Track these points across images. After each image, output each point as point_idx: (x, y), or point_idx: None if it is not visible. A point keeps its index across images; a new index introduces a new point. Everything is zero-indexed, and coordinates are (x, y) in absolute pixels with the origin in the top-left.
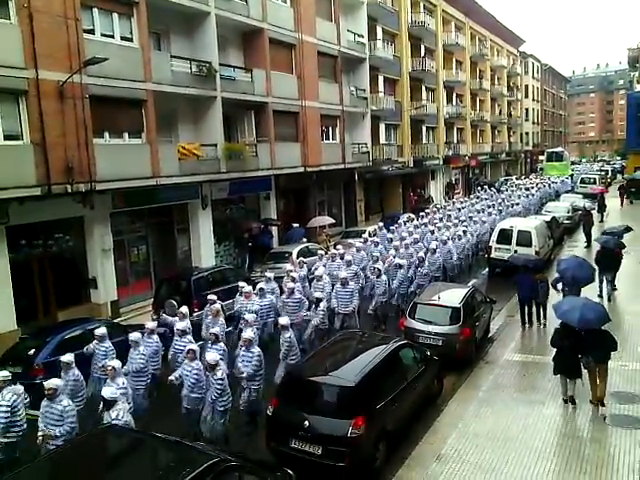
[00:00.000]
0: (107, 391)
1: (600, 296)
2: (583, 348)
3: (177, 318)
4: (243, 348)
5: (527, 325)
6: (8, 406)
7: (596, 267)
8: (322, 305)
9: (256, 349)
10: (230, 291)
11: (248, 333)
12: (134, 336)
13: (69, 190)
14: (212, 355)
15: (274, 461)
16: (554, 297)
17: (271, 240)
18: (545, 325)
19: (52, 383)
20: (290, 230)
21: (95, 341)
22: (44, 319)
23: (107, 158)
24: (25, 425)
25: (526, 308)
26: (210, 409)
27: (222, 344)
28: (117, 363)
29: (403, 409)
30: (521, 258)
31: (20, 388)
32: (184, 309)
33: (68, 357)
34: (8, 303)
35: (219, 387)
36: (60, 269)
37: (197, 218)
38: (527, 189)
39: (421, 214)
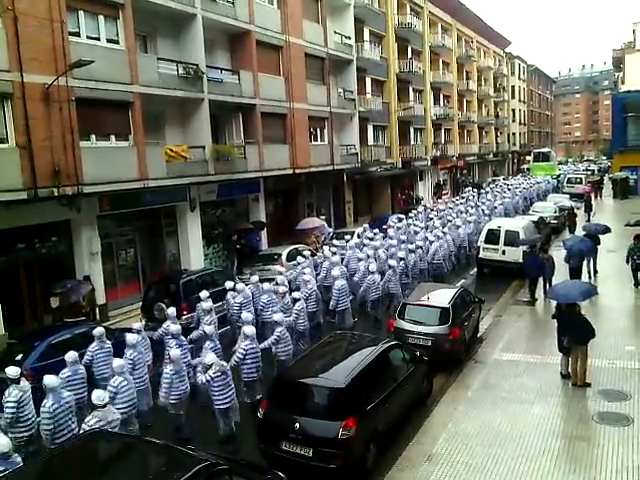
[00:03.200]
0: (94, 395)
1: (595, 272)
2: (563, 329)
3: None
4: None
5: (535, 299)
6: (15, 402)
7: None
8: (298, 305)
9: (243, 343)
10: (219, 294)
11: (248, 328)
12: (131, 338)
13: (56, 193)
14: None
15: (265, 463)
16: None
17: (259, 242)
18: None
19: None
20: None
21: (95, 342)
22: (31, 323)
23: (94, 161)
24: (33, 420)
25: (534, 285)
26: (216, 410)
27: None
28: (116, 362)
29: (393, 410)
30: (528, 240)
31: (27, 385)
32: (170, 310)
33: (71, 355)
34: None
35: (213, 386)
36: (47, 273)
37: (185, 221)
38: (509, 189)
39: (409, 215)
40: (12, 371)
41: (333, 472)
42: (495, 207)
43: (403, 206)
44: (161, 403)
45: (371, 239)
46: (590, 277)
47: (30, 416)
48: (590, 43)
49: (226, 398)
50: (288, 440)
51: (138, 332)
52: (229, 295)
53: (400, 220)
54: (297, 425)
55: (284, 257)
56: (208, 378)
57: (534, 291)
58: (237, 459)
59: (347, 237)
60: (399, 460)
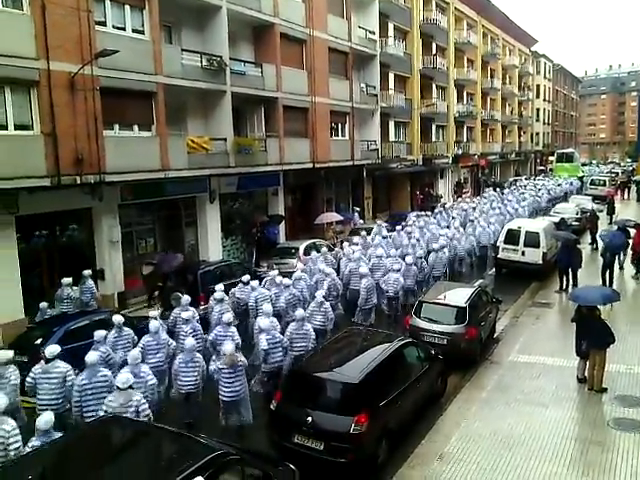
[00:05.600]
0: (118, 378)
1: (621, 267)
2: (581, 332)
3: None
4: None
5: (564, 290)
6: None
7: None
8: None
9: (262, 335)
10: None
11: (263, 322)
12: (152, 325)
13: (78, 181)
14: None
15: (277, 455)
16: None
17: (277, 235)
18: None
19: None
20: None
21: (113, 330)
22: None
23: (116, 150)
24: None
25: (564, 276)
26: (220, 400)
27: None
28: (131, 354)
29: (406, 407)
30: (561, 234)
31: (60, 366)
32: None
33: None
34: (16, 292)
35: (221, 377)
36: (68, 260)
37: (205, 212)
38: (532, 189)
39: (428, 213)
40: (51, 349)
41: (344, 467)
42: (516, 208)
43: (421, 204)
44: (172, 394)
45: (384, 237)
46: (621, 268)
47: (52, 396)
48: (618, 43)
49: (231, 391)
50: (300, 433)
51: (155, 319)
52: (237, 289)
53: (418, 217)
54: (309, 419)
55: (301, 251)
56: (216, 368)
57: (563, 280)
58: (249, 449)
59: (362, 232)
60: (410, 457)
